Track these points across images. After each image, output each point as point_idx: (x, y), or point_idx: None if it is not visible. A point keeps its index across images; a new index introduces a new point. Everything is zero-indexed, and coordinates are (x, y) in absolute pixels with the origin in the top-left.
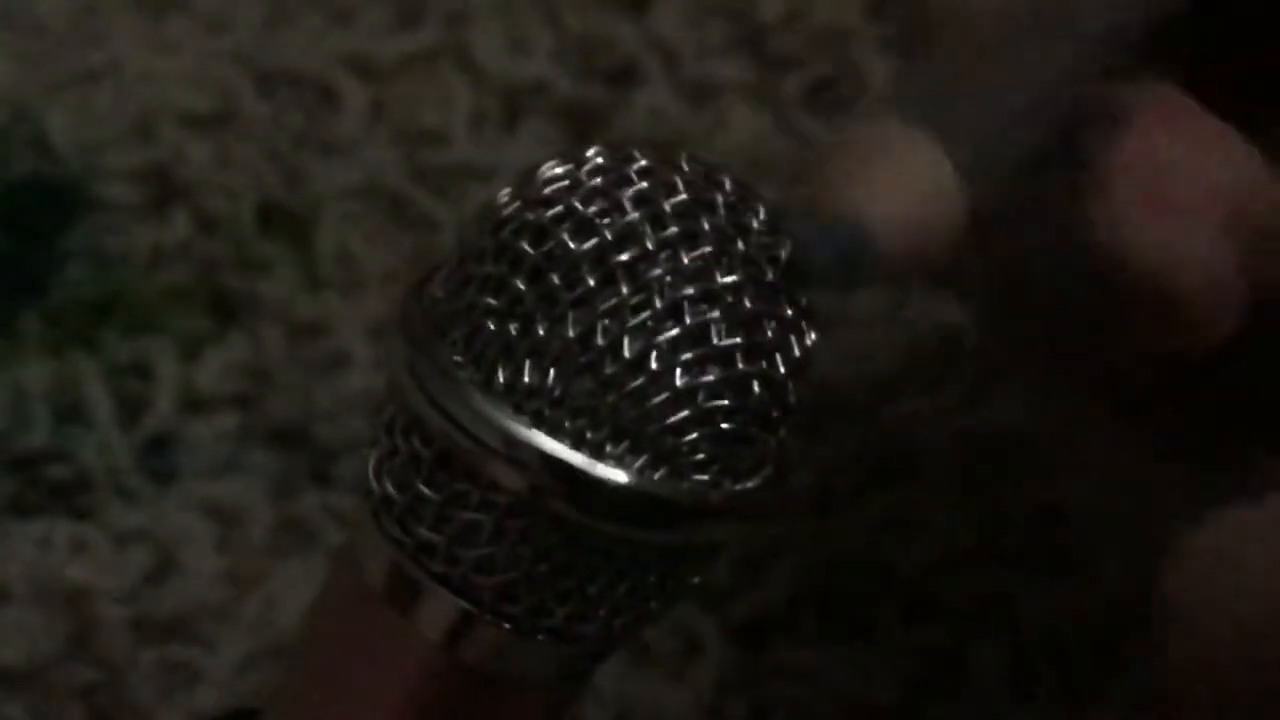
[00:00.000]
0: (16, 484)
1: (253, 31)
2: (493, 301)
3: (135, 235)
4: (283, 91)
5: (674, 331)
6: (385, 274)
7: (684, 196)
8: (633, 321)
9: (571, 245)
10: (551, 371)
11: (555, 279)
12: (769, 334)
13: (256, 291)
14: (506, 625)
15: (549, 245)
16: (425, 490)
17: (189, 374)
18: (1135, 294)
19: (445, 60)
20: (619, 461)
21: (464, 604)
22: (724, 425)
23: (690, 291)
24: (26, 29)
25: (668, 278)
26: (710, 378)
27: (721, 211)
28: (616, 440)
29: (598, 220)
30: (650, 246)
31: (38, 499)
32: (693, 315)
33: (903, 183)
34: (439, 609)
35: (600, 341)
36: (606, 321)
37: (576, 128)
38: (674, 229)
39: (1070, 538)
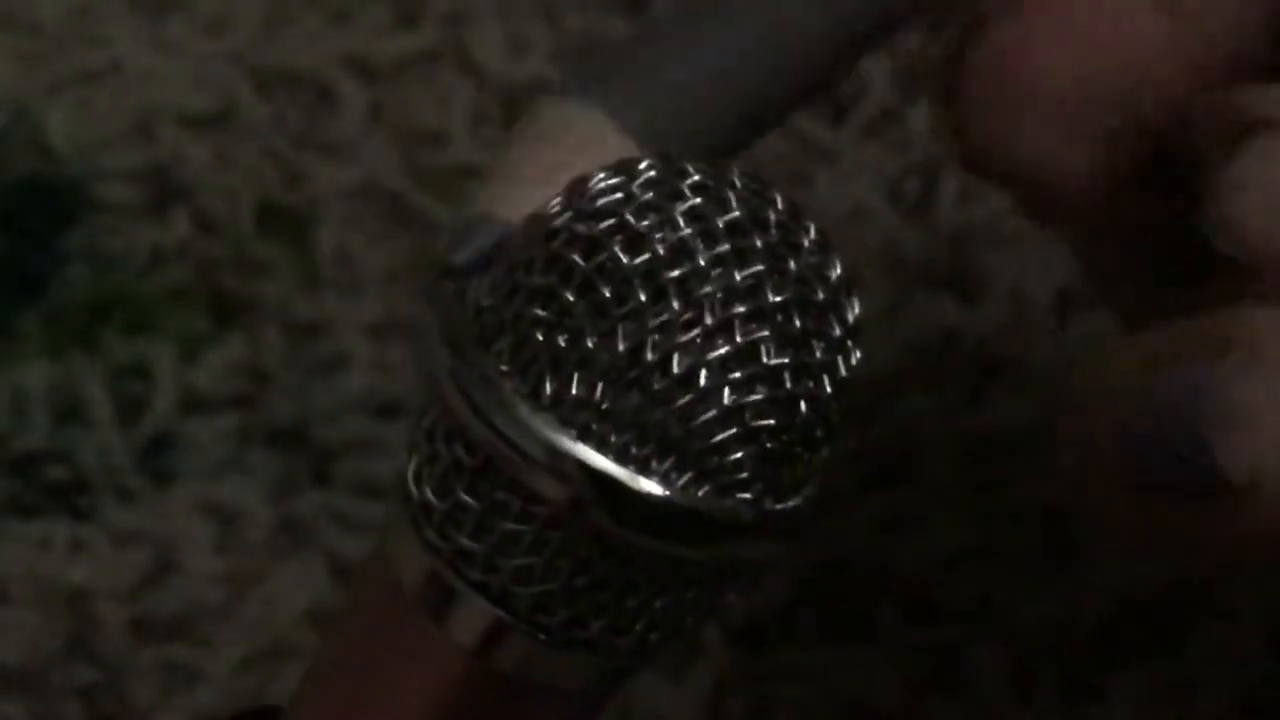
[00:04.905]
0: (16, 484)
1: (252, 32)
2: (541, 312)
3: (135, 235)
4: (282, 92)
5: (724, 349)
6: (385, 274)
7: (736, 213)
8: (682, 338)
9: (623, 259)
10: (599, 385)
11: (606, 292)
12: (817, 354)
13: (256, 292)
14: (541, 636)
15: (600, 258)
16: (466, 498)
17: (188, 374)
18: (994, 178)
19: (445, 60)
20: (663, 477)
21: (500, 613)
22: (769, 444)
23: (741, 309)
24: (26, 29)
25: (719, 295)
26: (758, 397)
27: (773, 230)
28: (662, 456)
29: (650, 234)
30: (702, 263)
31: (37, 499)
32: (743, 333)
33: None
34: (474, 617)
35: (649, 357)
36: (656, 337)
37: None
38: (726, 246)
39: (1070, 538)
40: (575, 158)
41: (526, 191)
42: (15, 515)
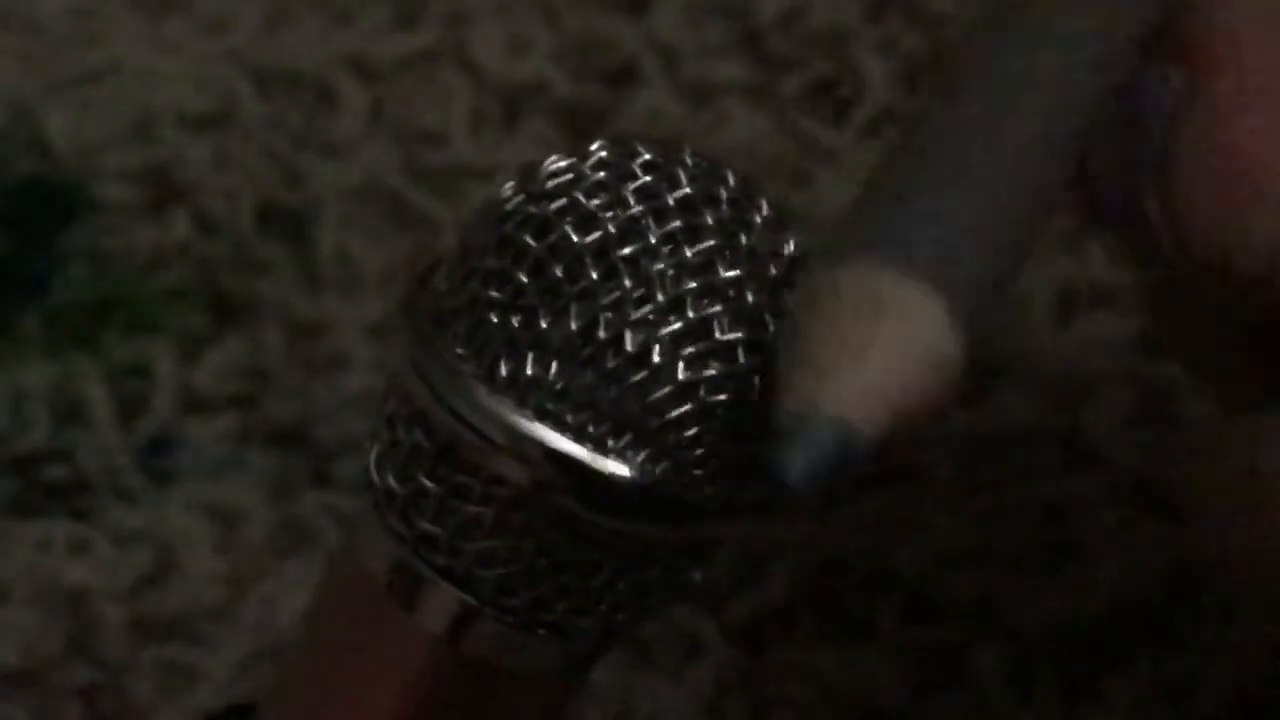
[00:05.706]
0: (16, 484)
1: (252, 32)
2: (495, 295)
3: (135, 235)
4: (282, 92)
5: (676, 325)
6: (384, 274)
7: (687, 190)
8: (635, 315)
9: (574, 238)
10: (554, 365)
11: (558, 272)
12: (771, 329)
13: (256, 292)
14: (507, 619)
15: (552, 238)
16: (427, 483)
17: (188, 374)
18: (1200, 271)
19: (444, 60)
20: (621, 455)
21: (465, 597)
22: (725, 420)
23: (693, 285)
24: (26, 29)
25: (670, 271)
26: (712, 372)
27: (725, 206)
28: (619, 434)
29: (600, 213)
30: (653, 240)
31: (37, 499)
32: (695, 309)
33: (893, 362)
34: (441, 602)
35: (602, 335)
36: (609, 315)
37: (576, 128)
38: (677, 223)
39: (1070, 538)
40: (881, 329)
41: (844, 380)
42: (15, 515)
